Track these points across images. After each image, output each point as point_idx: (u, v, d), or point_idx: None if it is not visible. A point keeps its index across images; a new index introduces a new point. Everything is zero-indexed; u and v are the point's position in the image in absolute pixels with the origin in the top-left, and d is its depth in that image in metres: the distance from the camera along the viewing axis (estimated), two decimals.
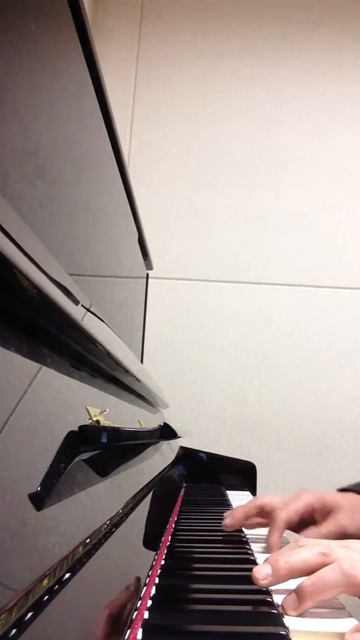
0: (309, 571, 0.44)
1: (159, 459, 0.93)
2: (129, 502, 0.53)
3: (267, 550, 0.65)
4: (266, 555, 0.49)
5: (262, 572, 0.45)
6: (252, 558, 0.57)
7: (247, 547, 0.62)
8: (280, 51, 2.06)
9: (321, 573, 0.43)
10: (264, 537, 0.68)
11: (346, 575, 0.42)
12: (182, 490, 1.12)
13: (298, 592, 0.43)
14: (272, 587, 0.46)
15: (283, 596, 0.45)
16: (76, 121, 0.70)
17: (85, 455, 0.44)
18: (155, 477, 0.79)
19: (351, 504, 0.68)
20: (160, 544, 0.60)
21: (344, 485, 0.75)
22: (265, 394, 1.90)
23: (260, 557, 0.57)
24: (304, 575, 0.44)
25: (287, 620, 0.40)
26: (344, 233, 1.97)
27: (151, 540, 0.58)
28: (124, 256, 1.12)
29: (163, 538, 0.64)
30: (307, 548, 0.46)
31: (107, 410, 0.52)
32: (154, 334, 1.84)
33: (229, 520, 0.70)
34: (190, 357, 1.92)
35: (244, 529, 0.71)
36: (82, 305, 0.49)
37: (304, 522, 0.69)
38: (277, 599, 0.44)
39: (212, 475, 1.29)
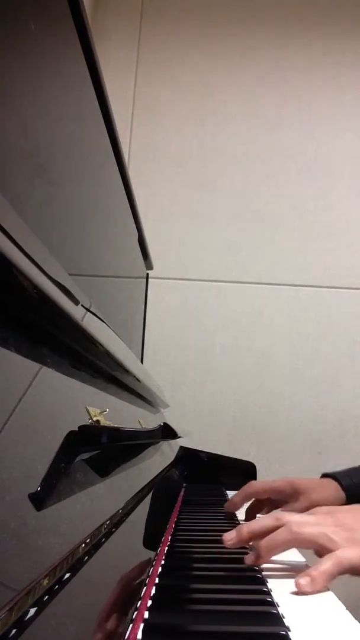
0: (266, 534, 0.55)
1: (159, 459, 0.93)
2: (129, 502, 0.53)
3: (227, 504, 0.86)
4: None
5: (229, 536, 0.58)
6: None
7: (247, 547, 0.62)
8: (280, 51, 2.06)
9: (274, 533, 0.54)
10: None
11: (292, 533, 0.53)
12: (182, 490, 1.12)
13: (256, 550, 0.54)
14: (272, 588, 0.47)
15: (283, 596, 0.45)
16: (76, 121, 0.70)
17: (85, 455, 0.44)
18: (155, 477, 0.79)
19: (321, 483, 0.86)
20: (160, 544, 0.60)
21: (327, 472, 0.90)
22: (265, 394, 1.90)
23: None
24: (262, 537, 0.55)
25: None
26: (344, 233, 1.97)
27: (151, 540, 0.58)
28: (124, 256, 1.12)
29: (163, 538, 0.64)
30: (265, 517, 0.59)
31: (107, 410, 0.52)
32: (154, 334, 1.84)
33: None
34: (190, 357, 1.92)
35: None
36: (82, 305, 0.49)
37: (277, 503, 0.86)
38: (277, 598, 0.44)
39: (212, 475, 1.29)
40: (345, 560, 0.50)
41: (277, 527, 0.55)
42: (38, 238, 0.39)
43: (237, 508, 0.86)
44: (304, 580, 0.48)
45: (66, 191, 0.65)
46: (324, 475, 0.89)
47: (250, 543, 0.58)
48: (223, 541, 0.58)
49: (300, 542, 0.54)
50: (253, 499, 0.87)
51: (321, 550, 0.53)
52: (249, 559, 0.54)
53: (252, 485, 0.86)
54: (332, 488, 0.85)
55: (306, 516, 0.57)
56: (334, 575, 0.49)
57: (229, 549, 0.58)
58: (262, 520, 0.58)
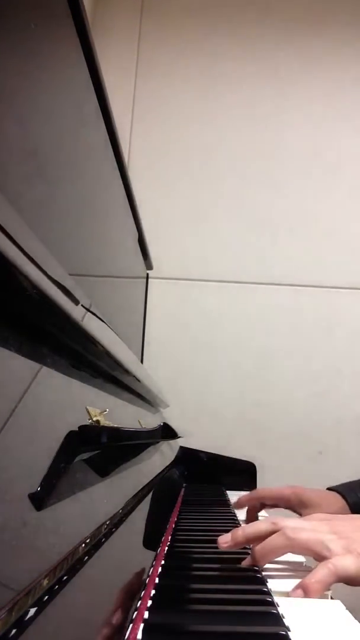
0: (262, 538, 0.54)
1: (159, 459, 0.93)
2: (129, 502, 0.53)
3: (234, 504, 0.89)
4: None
5: (224, 539, 0.57)
6: None
7: (248, 547, 0.62)
8: (280, 50, 2.06)
9: (269, 538, 0.54)
10: None
11: (288, 539, 0.53)
12: (182, 490, 1.12)
13: (252, 555, 0.53)
14: (272, 588, 0.47)
15: (282, 597, 0.45)
16: (76, 121, 0.70)
17: (85, 455, 0.44)
18: (155, 477, 0.79)
19: (327, 498, 0.85)
20: (160, 544, 0.60)
21: (332, 486, 0.89)
22: (265, 394, 1.89)
23: None
24: (258, 541, 0.54)
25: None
26: (344, 233, 1.97)
27: (151, 540, 0.58)
28: (124, 256, 1.12)
29: (163, 538, 0.64)
30: (261, 521, 0.58)
31: (107, 410, 0.52)
32: (154, 334, 1.84)
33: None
34: (191, 356, 1.91)
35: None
36: (82, 305, 0.48)
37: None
38: (277, 598, 0.44)
39: (212, 475, 1.29)
40: (341, 569, 0.49)
41: (272, 532, 0.54)
42: (38, 238, 0.39)
43: (244, 505, 0.89)
44: (298, 592, 0.47)
45: (66, 191, 0.65)
46: (329, 489, 0.89)
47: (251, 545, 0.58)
48: (218, 544, 0.57)
49: (295, 548, 0.53)
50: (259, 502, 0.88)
51: (316, 557, 0.52)
52: (245, 563, 0.54)
53: (259, 491, 0.88)
54: (338, 504, 0.84)
55: (302, 522, 0.57)
56: (328, 584, 0.48)
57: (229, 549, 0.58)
58: (258, 524, 0.57)
